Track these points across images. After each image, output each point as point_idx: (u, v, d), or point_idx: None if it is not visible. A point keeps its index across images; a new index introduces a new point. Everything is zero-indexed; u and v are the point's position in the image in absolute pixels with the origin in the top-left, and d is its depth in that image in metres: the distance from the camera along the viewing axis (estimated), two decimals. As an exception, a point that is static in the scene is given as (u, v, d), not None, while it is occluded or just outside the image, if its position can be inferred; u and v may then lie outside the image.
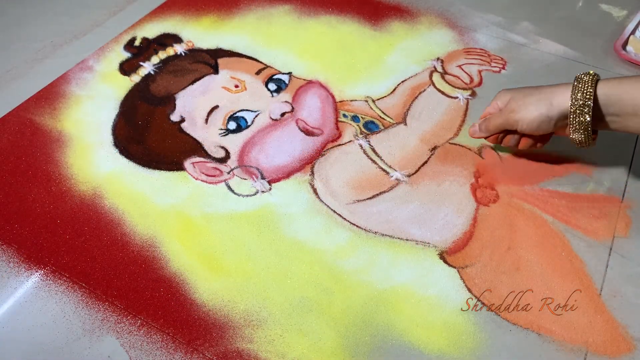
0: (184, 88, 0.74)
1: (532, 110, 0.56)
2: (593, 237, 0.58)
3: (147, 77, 0.76)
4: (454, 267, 0.55)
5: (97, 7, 0.88)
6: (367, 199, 0.61)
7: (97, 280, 0.55)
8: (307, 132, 0.68)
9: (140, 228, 0.59)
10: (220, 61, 0.78)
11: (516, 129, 0.59)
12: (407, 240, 0.58)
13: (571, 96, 0.54)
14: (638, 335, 0.50)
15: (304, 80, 0.75)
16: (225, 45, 0.80)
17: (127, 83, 0.75)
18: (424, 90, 0.74)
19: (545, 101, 0.56)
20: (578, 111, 0.54)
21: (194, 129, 0.69)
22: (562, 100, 0.55)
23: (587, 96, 0.53)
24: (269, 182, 0.63)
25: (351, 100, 0.72)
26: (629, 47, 0.78)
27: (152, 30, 0.83)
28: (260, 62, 0.78)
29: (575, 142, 0.57)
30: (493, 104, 0.62)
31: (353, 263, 0.56)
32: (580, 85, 0.54)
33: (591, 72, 0.55)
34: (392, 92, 0.73)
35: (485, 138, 0.64)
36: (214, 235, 0.58)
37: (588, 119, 0.54)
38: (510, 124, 0.59)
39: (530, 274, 0.55)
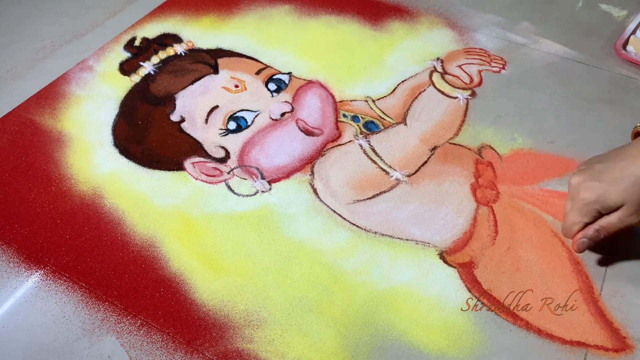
0: (184, 88, 0.74)
1: None
2: (593, 237, 0.58)
3: (147, 77, 0.76)
4: (454, 267, 0.55)
5: (97, 7, 0.88)
6: (367, 199, 0.61)
7: (97, 280, 0.55)
8: (307, 132, 0.68)
9: (140, 228, 0.59)
10: (220, 61, 0.78)
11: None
12: (407, 240, 0.58)
13: None
14: (638, 335, 0.50)
15: (304, 80, 0.75)
16: (225, 45, 0.80)
17: (127, 83, 0.75)
18: (424, 90, 0.73)
19: None
20: None
21: (194, 129, 0.69)
22: None
23: None
24: (269, 182, 0.63)
25: (351, 100, 0.72)
26: (629, 47, 0.78)
27: (152, 30, 0.83)
28: (260, 62, 0.78)
29: None
30: (589, 210, 0.53)
31: (353, 263, 0.56)
32: None
33: None
34: (392, 92, 0.73)
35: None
36: (214, 235, 0.58)
37: None
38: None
39: (530, 274, 0.55)
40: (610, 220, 0.52)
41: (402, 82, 0.75)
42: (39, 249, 0.57)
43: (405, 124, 0.69)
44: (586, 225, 0.54)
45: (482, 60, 0.78)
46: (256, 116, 0.70)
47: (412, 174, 0.64)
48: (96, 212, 0.60)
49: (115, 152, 0.67)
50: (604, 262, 0.56)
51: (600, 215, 0.53)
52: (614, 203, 0.51)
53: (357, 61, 0.78)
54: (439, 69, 0.76)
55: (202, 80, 0.75)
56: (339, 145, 0.67)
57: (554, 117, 0.70)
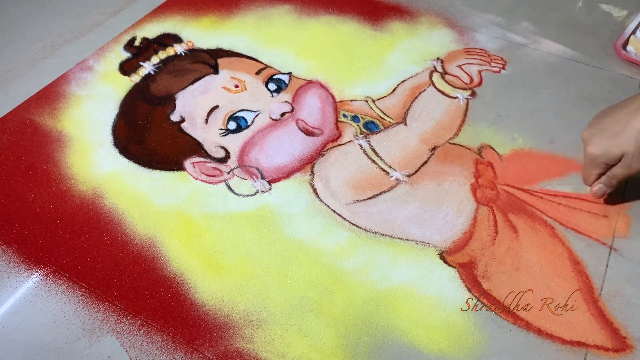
0: (184, 88, 0.74)
1: None
2: (593, 237, 0.58)
3: (147, 77, 0.76)
4: (454, 267, 0.55)
5: (97, 7, 0.88)
6: (367, 199, 0.61)
7: (97, 280, 0.55)
8: (307, 132, 0.68)
9: (140, 228, 0.59)
10: (220, 61, 0.78)
11: None
12: (407, 240, 0.58)
13: None
14: (638, 335, 0.50)
15: (304, 80, 0.75)
16: (225, 45, 0.80)
17: (127, 83, 0.75)
18: (424, 90, 0.74)
19: None
20: None
21: (194, 129, 0.69)
22: None
23: None
24: (269, 182, 0.63)
25: (351, 100, 0.72)
26: (629, 47, 0.78)
27: (152, 30, 0.83)
28: (260, 62, 0.78)
29: None
30: (597, 163, 0.58)
31: (353, 263, 0.56)
32: None
33: None
34: (392, 92, 0.73)
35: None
36: (214, 235, 0.58)
37: None
38: None
39: (530, 274, 0.55)
40: (618, 170, 0.58)
41: (402, 82, 0.75)
42: (39, 249, 0.57)
43: (405, 124, 0.69)
44: (600, 175, 0.59)
45: (482, 60, 0.78)
46: (256, 116, 0.70)
47: (412, 174, 0.64)
48: (96, 212, 0.60)
49: (115, 152, 0.67)
50: (603, 262, 0.56)
51: (609, 165, 0.58)
52: (615, 155, 0.56)
53: (357, 61, 0.78)
54: (439, 69, 0.76)
55: (202, 80, 0.75)
56: (339, 145, 0.67)
57: (554, 117, 0.70)
